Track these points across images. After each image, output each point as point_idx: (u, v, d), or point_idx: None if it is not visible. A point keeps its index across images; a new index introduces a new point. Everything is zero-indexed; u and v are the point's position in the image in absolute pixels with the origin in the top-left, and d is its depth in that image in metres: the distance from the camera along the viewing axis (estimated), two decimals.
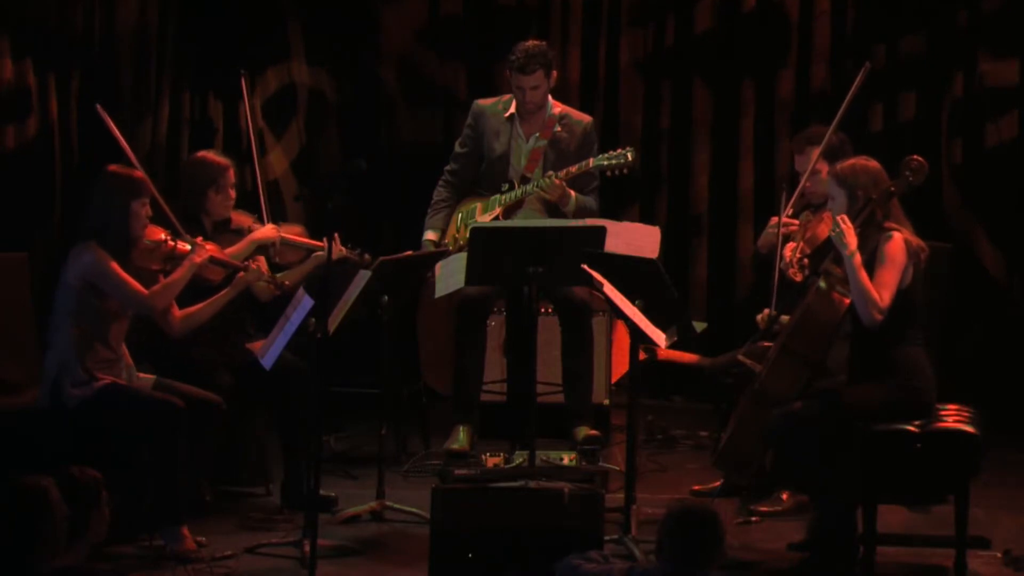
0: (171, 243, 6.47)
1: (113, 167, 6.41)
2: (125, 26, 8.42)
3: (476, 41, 9.36)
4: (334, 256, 6.31)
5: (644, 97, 9.27)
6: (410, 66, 9.37)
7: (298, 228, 7.16)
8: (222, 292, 6.60)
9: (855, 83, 7.23)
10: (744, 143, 9.14)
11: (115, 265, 6.21)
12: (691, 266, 9.22)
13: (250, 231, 6.96)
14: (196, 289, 6.56)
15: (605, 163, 7.29)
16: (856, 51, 8.89)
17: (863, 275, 5.92)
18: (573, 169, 7.32)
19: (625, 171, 7.32)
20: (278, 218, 7.33)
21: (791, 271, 6.77)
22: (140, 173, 6.45)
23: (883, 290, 5.91)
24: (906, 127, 8.85)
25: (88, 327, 6.22)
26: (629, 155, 7.26)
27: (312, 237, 7.07)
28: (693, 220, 9.24)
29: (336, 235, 6.40)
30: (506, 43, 8.64)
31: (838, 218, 6.01)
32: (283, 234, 7.00)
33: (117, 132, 6.93)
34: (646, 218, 9.20)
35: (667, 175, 9.28)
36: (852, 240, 5.95)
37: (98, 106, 7.15)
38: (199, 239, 6.57)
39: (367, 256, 6.96)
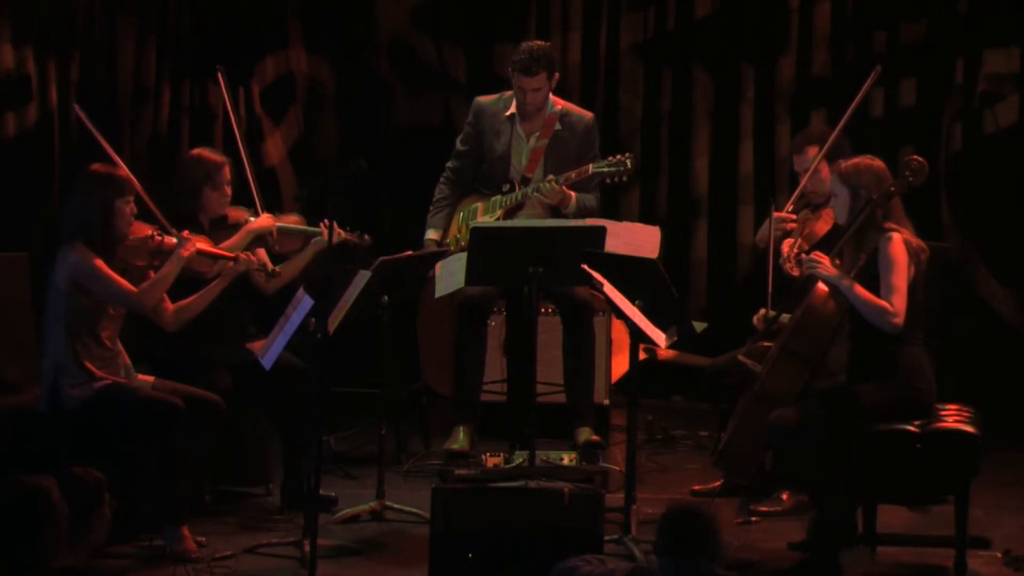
0: (157, 238, 6.48)
1: (95, 166, 6.41)
2: (125, 13, 8.45)
3: (474, 21, 9.34)
4: (333, 240, 6.30)
5: (644, 81, 9.27)
6: (407, 48, 9.35)
7: (295, 217, 7.17)
8: (213, 283, 6.61)
9: (864, 86, 7.26)
10: (744, 127, 9.14)
11: (102, 264, 6.20)
12: (691, 248, 9.22)
13: (247, 224, 6.96)
14: (189, 283, 6.57)
15: (604, 170, 7.28)
16: (856, 37, 8.91)
17: (864, 294, 5.92)
18: (572, 175, 7.32)
19: (624, 178, 7.32)
20: (274, 208, 7.34)
21: (787, 265, 6.81)
22: (123, 171, 6.46)
23: (894, 296, 5.91)
24: (906, 112, 8.87)
25: (81, 327, 6.21)
26: (628, 163, 7.25)
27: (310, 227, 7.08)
28: (693, 202, 9.24)
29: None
30: (506, 23, 8.64)
31: (810, 257, 6.03)
32: (279, 222, 7.01)
33: (96, 132, 6.95)
34: (646, 201, 9.23)
35: (667, 158, 9.28)
36: (832, 268, 5.98)
37: (76, 106, 7.18)
38: (185, 232, 6.57)
39: (367, 237, 6.98)
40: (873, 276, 5.98)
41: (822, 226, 6.98)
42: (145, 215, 6.61)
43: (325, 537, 6.17)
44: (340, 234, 6.75)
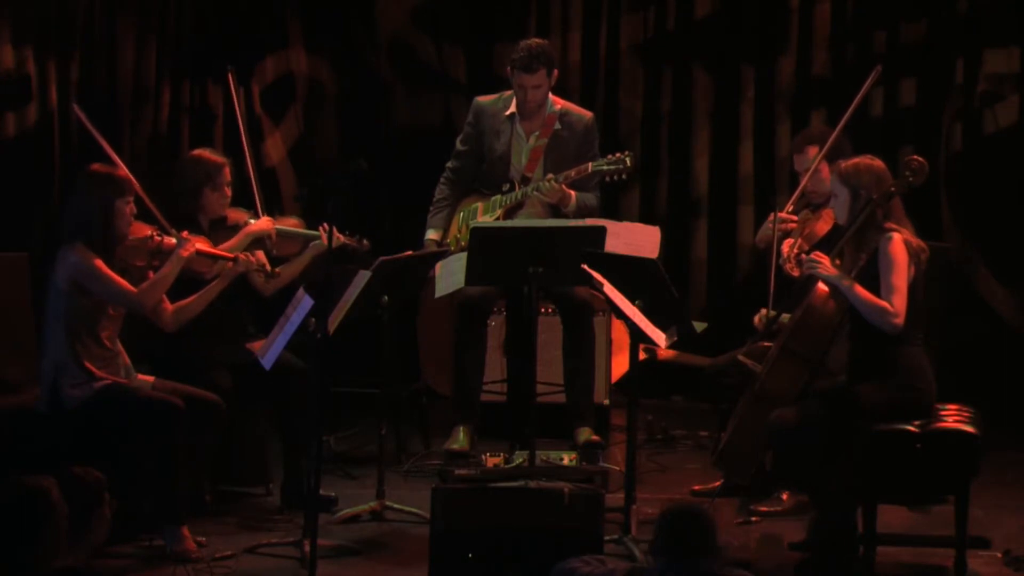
0: (157, 239, 6.48)
1: (95, 166, 6.41)
2: (125, 13, 8.46)
3: (474, 21, 9.34)
4: (332, 245, 6.31)
5: (644, 81, 9.26)
6: (407, 48, 9.35)
7: (294, 220, 7.17)
8: (212, 283, 6.61)
9: (864, 87, 7.26)
10: (744, 127, 9.14)
11: (101, 264, 6.20)
12: (691, 248, 9.22)
13: (247, 226, 6.96)
14: (189, 283, 6.57)
15: (604, 168, 7.29)
16: (856, 37, 8.91)
17: (864, 294, 5.93)
18: (572, 173, 7.32)
19: (624, 176, 7.32)
20: (274, 210, 7.34)
21: (788, 266, 6.81)
22: (123, 171, 6.46)
23: (894, 296, 5.91)
24: (906, 112, 8.87)
25: (80, 327, 6.21)
26: (628, 160, 7.25)
27: (309, 229, 7.08)
28: (693, 202, 9.23)
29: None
30: (506, 23, 8.59)
31: (810, 257, 6.03)
32: (278, 225, 7.01)
33: (96, 132, 6.95)
34: (646, 201, 9.22)
35: (667, 158, 9.27)
36: (832, 268, 5.98)
37: (76, 106, 7.18)
38: (185, 233, 6.57)
39: (366, 242, 6.99)
40: (873, 276, 5.98)
41: (822, 226, 6.98)
42: (145, 215, 6.61)
43: (325, 537, 6.17)
44: (339, 238, 6.75)
